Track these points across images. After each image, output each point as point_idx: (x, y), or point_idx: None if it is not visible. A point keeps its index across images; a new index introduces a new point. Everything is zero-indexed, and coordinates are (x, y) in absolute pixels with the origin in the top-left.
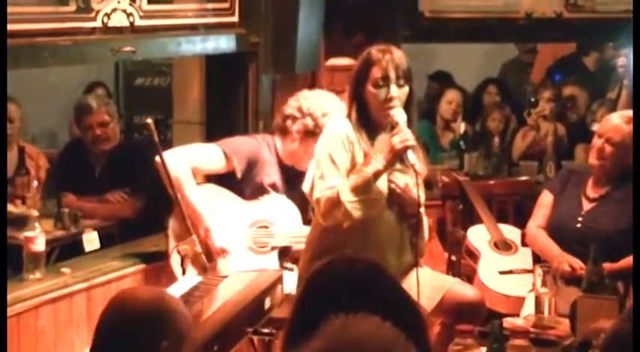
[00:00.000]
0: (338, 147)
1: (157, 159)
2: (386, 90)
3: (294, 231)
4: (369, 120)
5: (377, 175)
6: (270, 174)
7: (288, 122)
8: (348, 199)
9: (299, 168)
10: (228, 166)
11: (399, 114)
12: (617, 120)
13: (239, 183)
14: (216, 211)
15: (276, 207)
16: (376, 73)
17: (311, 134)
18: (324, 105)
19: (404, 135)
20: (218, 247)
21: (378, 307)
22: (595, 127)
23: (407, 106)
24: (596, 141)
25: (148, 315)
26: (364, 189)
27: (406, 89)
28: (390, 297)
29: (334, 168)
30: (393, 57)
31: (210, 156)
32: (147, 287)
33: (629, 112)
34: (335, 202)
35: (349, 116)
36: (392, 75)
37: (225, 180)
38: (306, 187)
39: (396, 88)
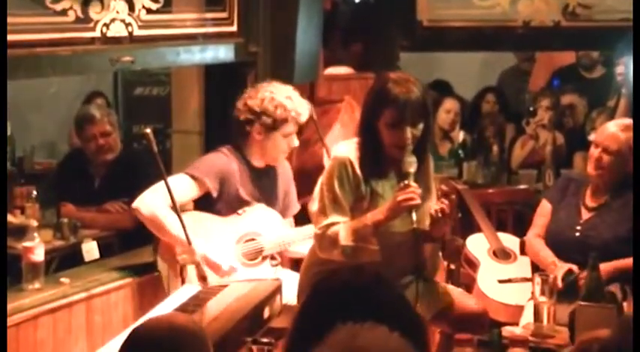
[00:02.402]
0: (343, 181)
1: (134, 204)
2: (399, 133)
3: (280, 236)
4: (379, 154)
5: (377, 225)
6: (245, 184)
7: (247, 127)
8: (346, 243)
9: (274, 164)
10: (202, 189)
11: (410, 163)
12: (614, 129)
13: (217, 201)
14: (203, 236)
15: (258, 217)
16: (391, 113)
17: (272, 128)
18: (273, 96)
19: (409, 193)
20: (224, 268)
21: (382, 316)
22: (592, 137)
23: (423, 139)
24: (594, 151)
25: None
26: (363, 237)
27: (421, 125)
28: (394, 307)
29: (336, 204)
30: (411, 96)
31: (182, 186)
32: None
33: (626, 120)
34: (333, 242)
35: (359, 145)
36: (407, 117)
37: (203, 200)
38: (314, 207)
39: (409, 129)
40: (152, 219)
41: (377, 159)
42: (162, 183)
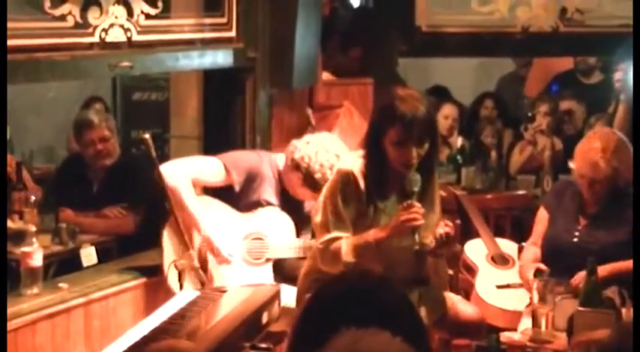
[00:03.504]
0: (345, 195)
1: (160, 168)
2: (405, 151)
3: (288, 242)
4: (384, 171)
5: (379, 243)
6: (269, 190)
7: (295, 169)
8: (348, 259)
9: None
10: (227, 180)
11: (414, 182)
12: (594, 158)
13: (237, 196)
14: (211, 223)
15: (270, 219)
16: (396, 131)
17: (311, 186)
18: (325, 159)
19: (412, 214)
20: (222, 254)
21: (386, 320)
22: (572, 165)
23: (429, 158)
24: (581, 181)
25: None
26: (365, 253)
27: (426, 145)
28: (398, 311)
29: (339, 218)
30: (417, 114)
31: (211, 168)
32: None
33: (596, 142)
34: (335, 258)
35: (364, 161)
36: (414, 135)
37: (222, 192)
38: (317, 218)
39: (415, 148)
40: (173, 190)
41: (381, 175)
42: (193, 157)
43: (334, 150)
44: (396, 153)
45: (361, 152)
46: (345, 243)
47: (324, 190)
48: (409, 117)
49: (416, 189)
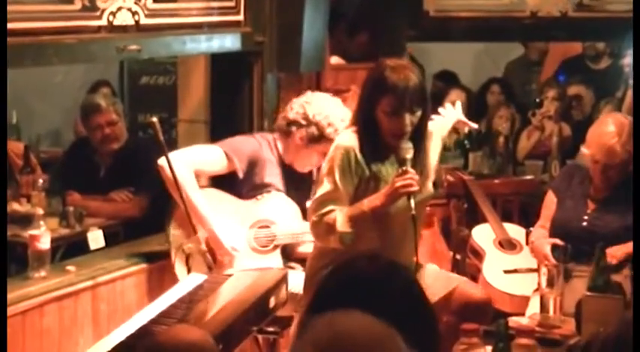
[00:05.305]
0: (344, 170)
1: (159, 161)
2: (398, 120)
3: (295, 228)
4: (377, 142)
5: (374, 211)
6: (271, 174)
7: (293, 128)
8: (344, 229)
9: (298, 169)
10: (230, 167)
11: (407, 150)
12: (610, 142)
13: (241, 182)
14: (217, 214)
15: (275, 205)
16: (389, 101)
17: (316, 141)
18: (330, 113)
19: (407, 179)
20: (226, 247)
21: (397, 307)
22: (585, 150)
23: (421, 126)
24: (594, 166)
25: None
26: (360, 223)
27: (419, 113)
28: (410, 296)
29: (336, 193)
30: (409, 83)
31: (212, 157)
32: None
33: (609, 124)
34: (330, 229)
35: (358, 134)
36: (406, 104)
37: (226, 179)
38: (316, 194)
39: (408, 116)
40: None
41: (375, 146)
42: (193, 147)
43: (337, 113)
44: (389, 123)
45: (353, 128)
46: (340, 213)
47: (323, 166)
48: (401, 86)
49: (408, 156)
